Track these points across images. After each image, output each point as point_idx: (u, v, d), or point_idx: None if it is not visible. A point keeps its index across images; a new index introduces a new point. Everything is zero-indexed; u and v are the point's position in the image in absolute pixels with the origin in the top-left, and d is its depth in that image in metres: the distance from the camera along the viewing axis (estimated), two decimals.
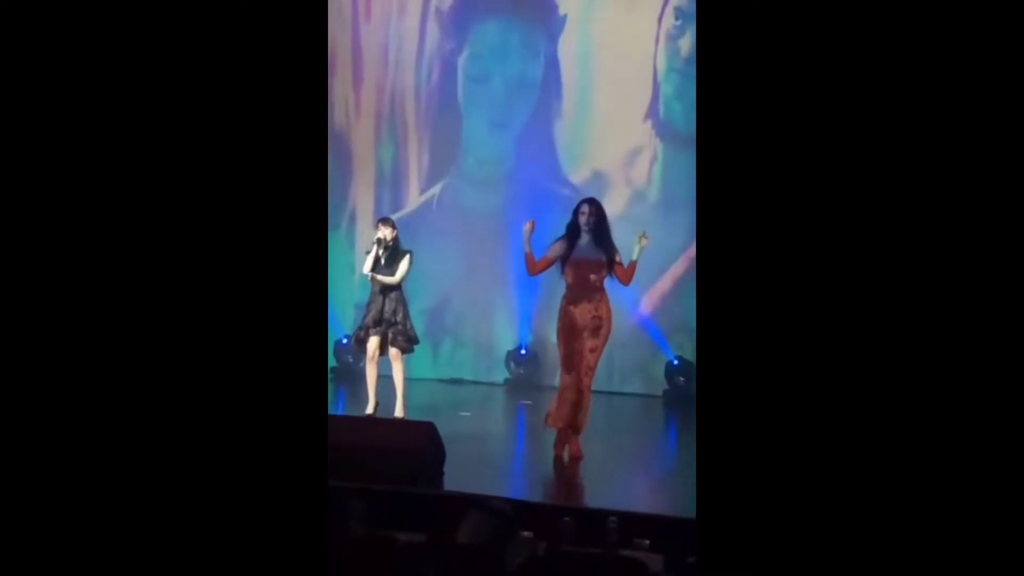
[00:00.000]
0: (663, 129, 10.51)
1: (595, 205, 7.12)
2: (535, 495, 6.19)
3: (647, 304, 10.41)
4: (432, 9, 11.02)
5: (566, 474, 6.63)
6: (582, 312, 7.00)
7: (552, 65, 10.77)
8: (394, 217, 8.59)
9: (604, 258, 7.01)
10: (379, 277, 7.81)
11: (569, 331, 7.04)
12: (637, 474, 7.39)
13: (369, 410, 7.93)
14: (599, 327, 7.05)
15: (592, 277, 7.00)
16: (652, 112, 10.53)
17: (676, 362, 10.18)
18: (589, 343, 7.02)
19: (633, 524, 4.98)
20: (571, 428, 6.99)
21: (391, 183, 11.13)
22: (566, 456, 6.90)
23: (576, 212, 7.07)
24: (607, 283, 7.06)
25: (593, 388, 9.73)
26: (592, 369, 7.10)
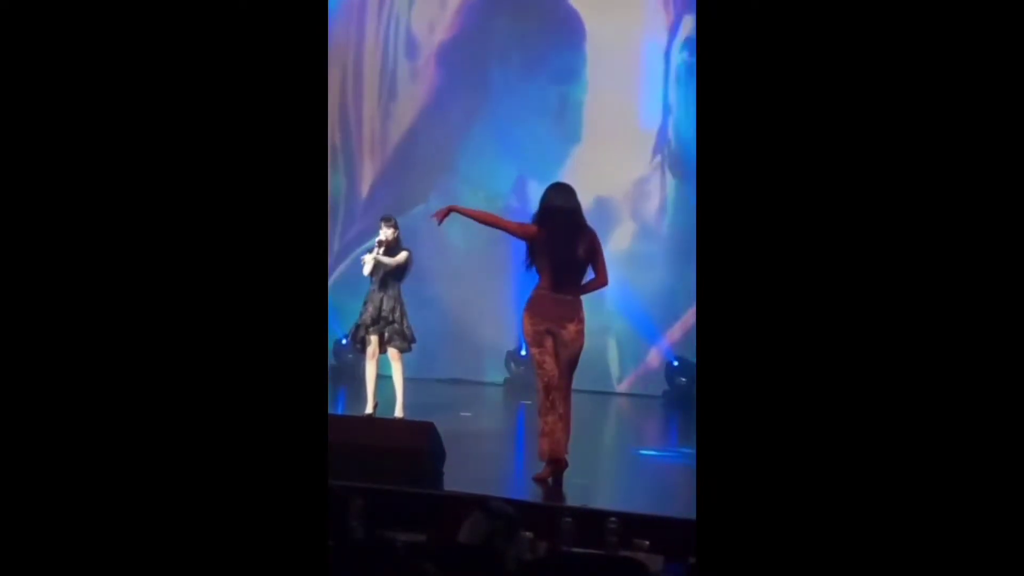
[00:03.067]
0: (674, 162, 10.42)
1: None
2: (535, 495, 6.18)
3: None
4: (403, 30, 10.98)
5: (565, 475, 6.63)
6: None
7: (559, 94, 10.71)
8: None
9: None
10: (382, 259, 7.81)
11: None
12: (637, 475, 7.39)
13: (369, 410, 7.94)
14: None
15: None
16: (661, 145, 10.46)
17: (676, 363, 10.18)
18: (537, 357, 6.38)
19: (633, 525, 4.98)
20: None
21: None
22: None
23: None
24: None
25: (592, 389, 9.73)
26: (542, 389, 6.35)
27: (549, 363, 6.30)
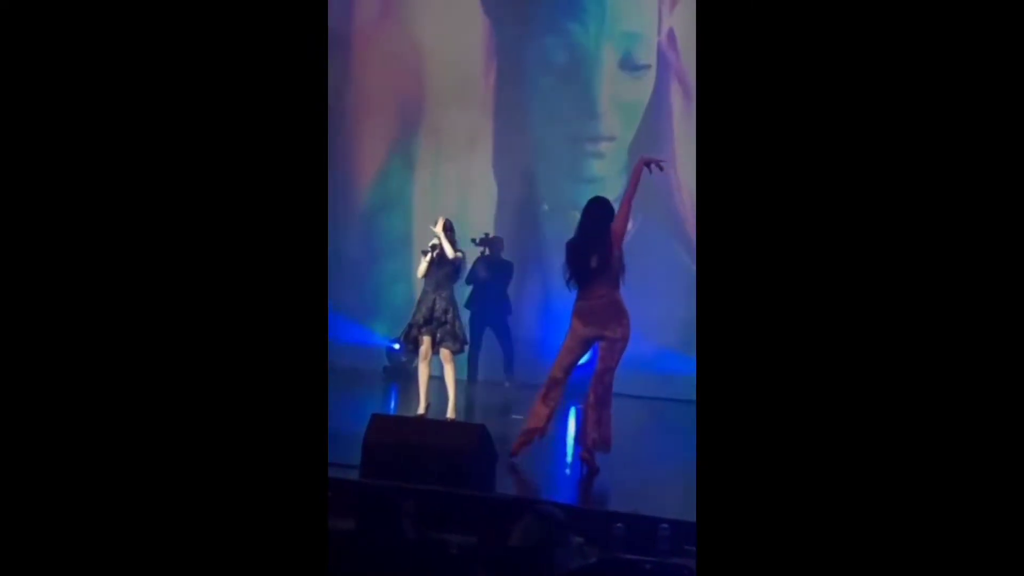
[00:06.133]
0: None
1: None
2: (586, 500, 6.17)
3: None
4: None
5: (614, 479, 6.61)
6: None
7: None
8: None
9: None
10: (445, 246, 7.88)
11: None
12: (688, 480, 7.33)
13: (420, 411, 7.96)
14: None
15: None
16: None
17: None
18: None
19: (685, 532, 4.95)
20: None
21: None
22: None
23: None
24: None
25: (631, 394, 9.77)
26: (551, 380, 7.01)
27: (566, 361, 6.89)
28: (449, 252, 7.91)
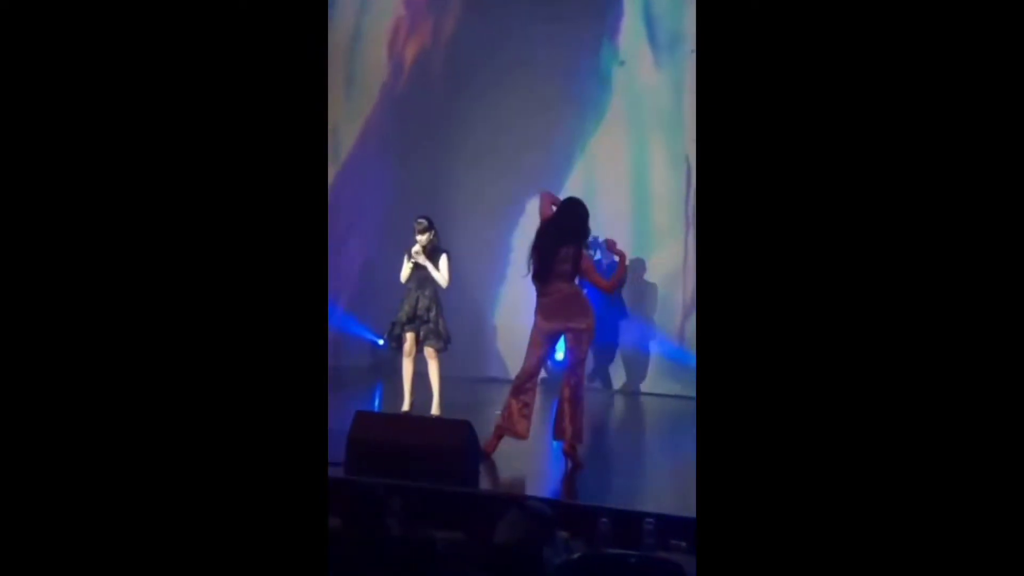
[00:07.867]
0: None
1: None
2: (571, 495, 6.18)
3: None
4: None
5: (602, 475, 6.61)
6: None
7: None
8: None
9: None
10: (433, 274, 7.86)
11: None
12: (673, 475, 7.36)
13: (405, 407, 7.96)
14: None
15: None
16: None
17: None
18: None
19: (670, 526, 4.96)
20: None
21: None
22: None
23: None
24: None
25: (623, 389, 9.75)
26: (523, 376, 7.15)
27: (534, 359, 7.05)
28: (442, 281, 7.91)
